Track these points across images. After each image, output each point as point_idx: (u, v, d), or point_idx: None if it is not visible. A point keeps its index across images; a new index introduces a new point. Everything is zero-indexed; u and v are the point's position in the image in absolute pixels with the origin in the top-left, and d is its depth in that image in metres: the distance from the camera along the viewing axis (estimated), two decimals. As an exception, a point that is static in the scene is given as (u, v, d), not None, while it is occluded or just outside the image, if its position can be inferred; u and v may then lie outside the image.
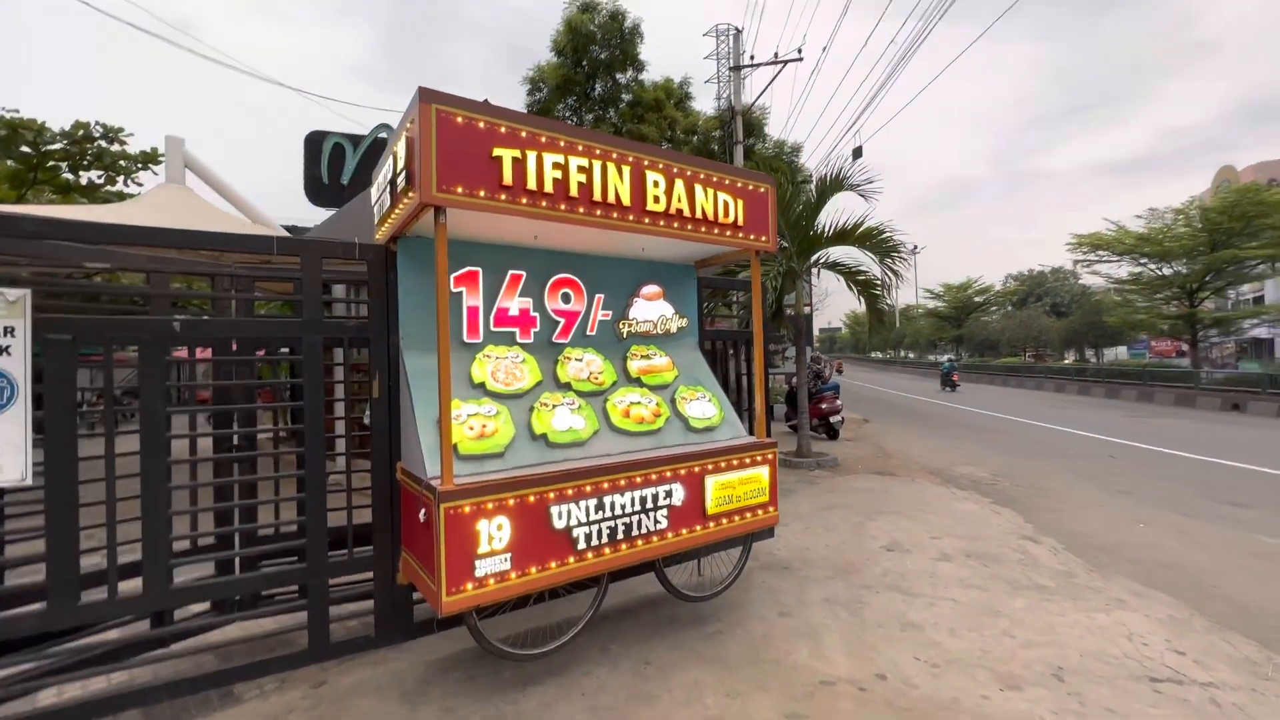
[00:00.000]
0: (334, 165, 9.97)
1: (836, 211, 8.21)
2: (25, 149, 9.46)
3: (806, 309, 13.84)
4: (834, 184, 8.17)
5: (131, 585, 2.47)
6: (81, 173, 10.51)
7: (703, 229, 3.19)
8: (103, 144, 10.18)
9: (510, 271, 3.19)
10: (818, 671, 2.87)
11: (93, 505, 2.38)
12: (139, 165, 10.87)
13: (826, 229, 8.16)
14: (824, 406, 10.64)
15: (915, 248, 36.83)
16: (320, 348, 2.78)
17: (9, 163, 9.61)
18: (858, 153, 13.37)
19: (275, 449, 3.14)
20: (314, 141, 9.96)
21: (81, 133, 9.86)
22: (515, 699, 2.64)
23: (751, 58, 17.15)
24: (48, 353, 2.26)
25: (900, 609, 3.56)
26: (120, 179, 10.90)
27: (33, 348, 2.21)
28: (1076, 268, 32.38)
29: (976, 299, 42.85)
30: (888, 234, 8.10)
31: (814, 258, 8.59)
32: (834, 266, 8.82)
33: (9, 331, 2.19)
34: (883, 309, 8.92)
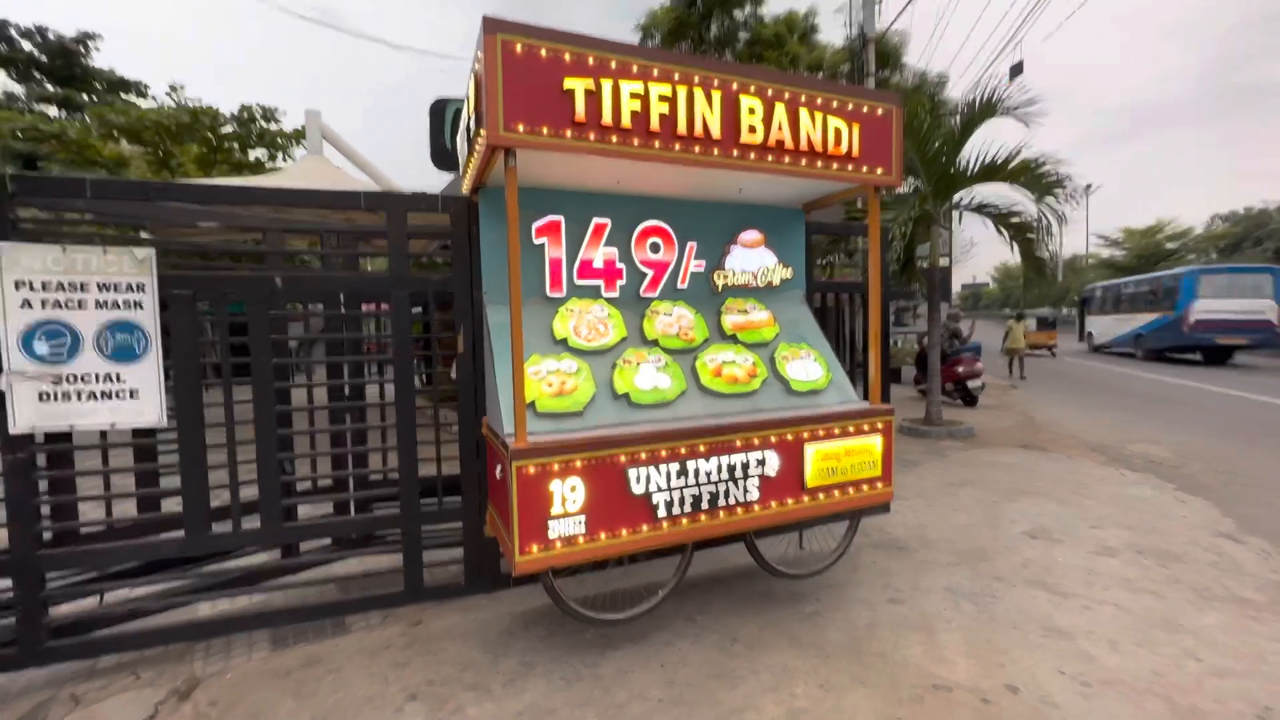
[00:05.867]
0: (456, 130, 10.33)
1: (985, 143, 7.01)
2: (207, 134, 10.96)
3: (944, 260, 12.33)
4: (985, 109, 6.97)
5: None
6: (249, 151, 11.99)
7: (809, 162, 2.75)
8: (262, 124, 11.50)
9: (594, 220, 3.00)
10: (931, 673, 2.50)
11: (220, 447, 2.62)
12: (294, 141, 12.17)
13: (971, 165, 7.04)
14: (960, 370, 9.48)
15: (1089, 186, 31.34)
16: (407, 302, 2.81)
17: (195, 147, 11.19)
18: (1017, 69, 11.34)
19: (381, 400, 3.30)
20: (437, 110, 10.34)
21: (246, 114, 11.20)
22: (594, 662, 2.59)
23: (888, -26, 15.13)
24: (173, 307, 2.46)
25: (1043, 609, 3.02)
26: (279, 155, 12.29)
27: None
28: (1317, 202, 25.56)
29: (1168, 245, 35.35)
30: (1048, 165, 6.82)
31: (954, 199, 7.48)
32: (981, 209, 7.64)
33: (140, 288, 2.40)
34: (1041, 258, 7.60)
